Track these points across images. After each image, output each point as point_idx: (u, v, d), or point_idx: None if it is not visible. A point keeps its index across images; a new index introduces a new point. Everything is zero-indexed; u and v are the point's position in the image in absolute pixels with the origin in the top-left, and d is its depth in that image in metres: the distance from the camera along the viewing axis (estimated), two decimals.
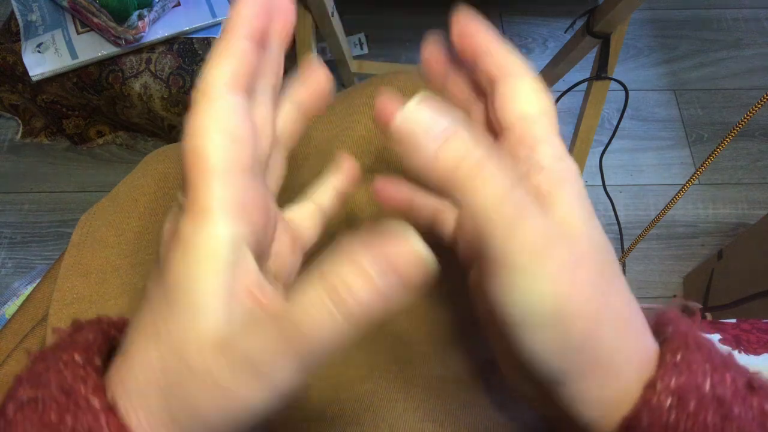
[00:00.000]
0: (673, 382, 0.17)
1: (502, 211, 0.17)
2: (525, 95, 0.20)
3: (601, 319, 0.18)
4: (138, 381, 0.17)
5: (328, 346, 0.15)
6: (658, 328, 0.20)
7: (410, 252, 0.15)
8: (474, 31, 0.21)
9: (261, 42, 0.19)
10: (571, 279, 0.17)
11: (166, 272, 0.17)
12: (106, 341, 0.20)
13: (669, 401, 0.17)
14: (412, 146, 0.18)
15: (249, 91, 0.19)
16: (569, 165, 0.20)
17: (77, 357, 0.18)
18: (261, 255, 0.19)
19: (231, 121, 0.17)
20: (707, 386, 0.17)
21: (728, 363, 0.19)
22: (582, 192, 0.19)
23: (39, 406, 0.16)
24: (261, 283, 0.18)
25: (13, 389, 0.17)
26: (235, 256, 0.17)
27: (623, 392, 0.18)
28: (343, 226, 0.36)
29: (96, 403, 0.16)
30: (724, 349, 0.20)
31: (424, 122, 0.17)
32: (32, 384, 0.17)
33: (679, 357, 0.18)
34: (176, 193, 0.19)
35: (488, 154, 0.17)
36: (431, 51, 0.24)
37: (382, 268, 0.15)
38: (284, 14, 0.20)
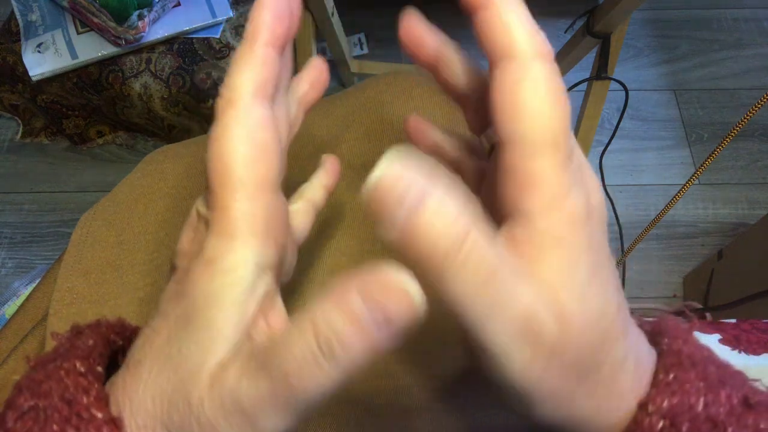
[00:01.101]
0: (665, 404, 0.17)
1: (483, 299, 0.15)
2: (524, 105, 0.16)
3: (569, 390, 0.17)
4: (146, 402, 0.16)
5: (316, 394, 0.14)
6: (655, 337, 0.20)
7: (400, 291, 0.13)
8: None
9: (282, 48, 0.18)
10: (548, 371, 0.16)
11: (189, 292, 0.17)
12: (107, 346, 0.20)
13: (661, 424, 0.17)
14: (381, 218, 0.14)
15: (272, 98, 0.18)
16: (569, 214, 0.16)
17: (78, 365, 0.17)
18: (279, 269, 0.19)
19: (259, 133, 0.17)
20: (700, 406, 0.17)
21: (725, 378, 0.18)
22: (579, 260, 0.16)
23: (40, 415, 0.16)
24: (277, 308, 0.18)
25: (12, 397, 0.17)
26: (259, 281, 0.17)
27: (621, 408, 0.18)
28: (343, 226, 0.36)
29: (99, 414, 0.16)
30: (723, 357, 0.19)
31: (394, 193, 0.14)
32: (32, 392, 0.17)
33: (671, 376, 0.18)
34: (196, 202, 0.19)
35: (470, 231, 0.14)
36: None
37: (371, 309, 0.13)
38: (295, 16, 0.19)
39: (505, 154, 0.16)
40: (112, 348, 0.20)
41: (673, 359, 0.18)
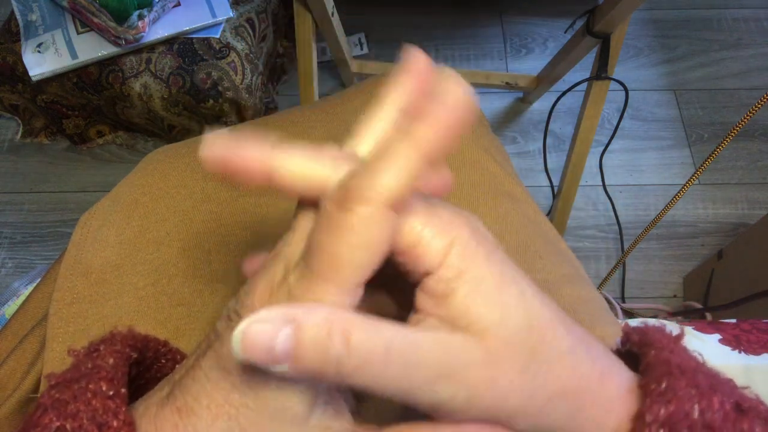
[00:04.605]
0: (662, 412, 0.17)
1: (387, 379, 0.16)
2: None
3: (544, 406, 0.17)
4: None
5: None
6: (641, 348, 0.20)
7: None
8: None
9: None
10: (487, 393, 0.16)
11: None
12: (126, 363, 0.20)
13: None
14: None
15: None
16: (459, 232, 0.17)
17: (105, 387, 0.18)
18: None
19: (384, 245, 0.16)
20: (696, 413, 0.17)
21: (715, 385, 0.18)
22: (486, 263, 0.17)
23: None
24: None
25: (37, 417, 0.17)
26: None
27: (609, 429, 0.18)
28: None
29: None
30: (724, 357, 0.19)
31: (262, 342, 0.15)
32: (58, 413, 0.17)
33: (664, 385, 0.17)
34: (278, 263, 0.18)
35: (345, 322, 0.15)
36: None
37: None
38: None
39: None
40: (128, 362, 0.20)
41: (663, 368, 0.18)
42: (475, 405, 0.16)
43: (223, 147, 0.17)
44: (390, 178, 0.16)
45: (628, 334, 0.21)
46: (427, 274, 0.17)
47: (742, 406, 0.18)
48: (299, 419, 0.17)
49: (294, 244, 0.18)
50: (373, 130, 0.19)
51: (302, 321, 0.15)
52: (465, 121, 0.16)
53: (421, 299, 0.17)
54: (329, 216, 0.16)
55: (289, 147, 0.18)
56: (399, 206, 0.16)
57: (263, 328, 0.15)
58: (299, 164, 0.17)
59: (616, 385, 0.18)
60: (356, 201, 0.16)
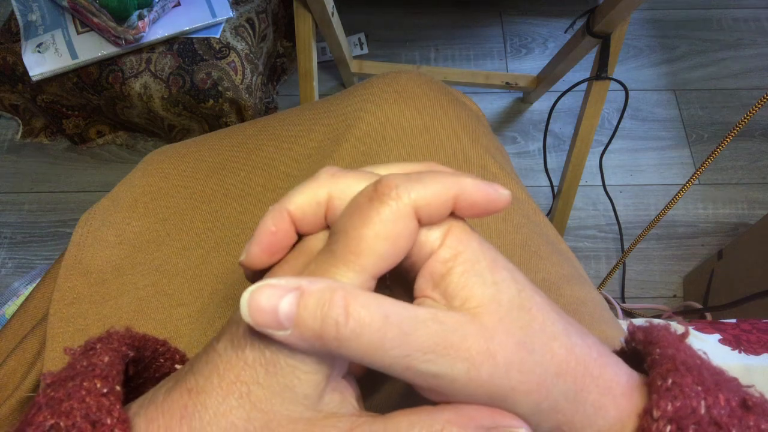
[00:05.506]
0: (669, 407, 0.17)
1: (385, 348, 0.16)
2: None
3: (543, 382, 0.17)
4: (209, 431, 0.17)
5: None
6: (646, 347, 0.20)
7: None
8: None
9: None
10: (486, 369, 0.17)
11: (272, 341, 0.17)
12: (122, 362, 0.20)
13: (668, 429, 0.17)
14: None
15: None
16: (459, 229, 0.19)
17: (99, 384, 0.18)
18: None
19: (403, 241, 0.18)
20: (703, 409, 0.17)
21: (720, 383, 0.18)
22: (478, 251, 0.18)
23: None
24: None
25: (32, 415, 0.17)
26: None
27: (614, 426, 0.18)
28: None
29: None
30: (724, 358, 0.19)
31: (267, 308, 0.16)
32: (53, 411, 0.17)
33: (670, 381, 0.18)
34: (312, 240, 0.20)
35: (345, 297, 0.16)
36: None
37: None
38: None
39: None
40: (125, 361, 0.20)
41: (668, 365, 0.18)
42: (474, 378, 0.16)
43: (255, 248, 0.20)
44: (423, 190, 0.18)
45: (632, 332, 0.21)
46: (427, 257, 0.18)
47: (748, 402, 0.18)
48: (309, 401, 0.17)
49: (316, 239, 0.20)
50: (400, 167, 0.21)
51: (306, 288, 0.16)
52: (493, 209, 0.19)
53: (420, 284, 0.18)
54: (360, 206, 0.18)
55: (293, 194, 0.20)
56: (422, 217, 0.18)
57: (270, 292, 0.16)
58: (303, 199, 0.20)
59: (614, 372, 0.19)
60: (389, 195, 0.17)
